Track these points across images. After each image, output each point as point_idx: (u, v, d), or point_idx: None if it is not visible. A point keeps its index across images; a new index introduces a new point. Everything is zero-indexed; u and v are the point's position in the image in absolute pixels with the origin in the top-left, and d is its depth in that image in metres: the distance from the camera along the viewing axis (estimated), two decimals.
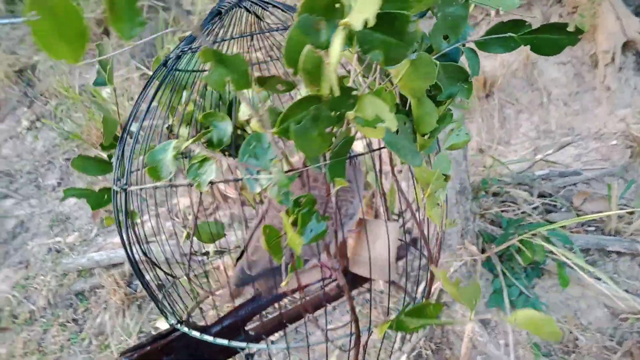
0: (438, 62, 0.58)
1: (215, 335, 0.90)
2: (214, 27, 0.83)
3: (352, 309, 0.65)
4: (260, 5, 0.82)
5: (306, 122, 0.52)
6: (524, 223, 2.56)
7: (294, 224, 0.59)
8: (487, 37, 0.58)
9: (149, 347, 0.88)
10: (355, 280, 1.09)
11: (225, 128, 0.62)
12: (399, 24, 0.45)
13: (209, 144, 0.65)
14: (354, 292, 1.11)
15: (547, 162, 3.06)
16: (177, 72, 0.85)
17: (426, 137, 0.61)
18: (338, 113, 0.53)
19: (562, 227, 2.53)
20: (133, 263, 0.85)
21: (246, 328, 0.97)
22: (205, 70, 0.89)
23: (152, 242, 0.93)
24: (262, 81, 0.47)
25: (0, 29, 3.88)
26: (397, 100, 0.60)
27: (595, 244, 2.67)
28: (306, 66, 0.44)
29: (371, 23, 0.40)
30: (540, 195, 2.88)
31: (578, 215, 2.80)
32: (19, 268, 2.64)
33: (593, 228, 2.81)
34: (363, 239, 1.03)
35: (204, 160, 0.66)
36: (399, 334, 2.45)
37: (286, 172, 0.58)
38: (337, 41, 0.42)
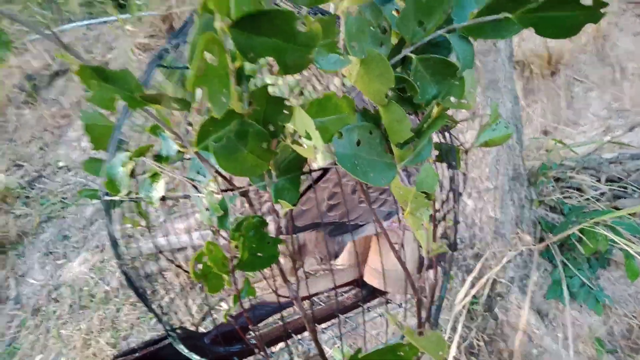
0: (416, 58, 0.44)
1: (211, 343, 0.81)
2: None
3: (316, 343, 0.53)
4: None
5: (230, 139, 0.40)
6: (587, 210, 2.30)
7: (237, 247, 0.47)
8: (477, 20, 0.42)
9: (137, 354, 0.80)
10: (374, 291, 0.96)
11: (170, 143, 0.51)
12: (281, 23, 0.32)
13: (158, 158, 0.54)
14: (375, 302, 0.97)
15: (617, 144, 2.73)
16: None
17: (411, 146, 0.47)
18: (272, 127, 0.41)
19: (631, 214, 2.25)
20: (125, 272, 0.77)
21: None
22: None
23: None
24: (153, 99, 0.36)
25: (78, 30, 3.97)
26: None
27: None
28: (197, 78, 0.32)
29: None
30: (609, 180, 2.57)
31: None
32: (96, 252, 2.71)
33: None
34: (381, 247, 0.90)
35: (155, 175, 0.55)
36: (450, 324, 2.29)
37: (225, 190, 0.47)
38: (199, 47, 0.30)
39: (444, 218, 0.84)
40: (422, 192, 0.46)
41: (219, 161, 0.40)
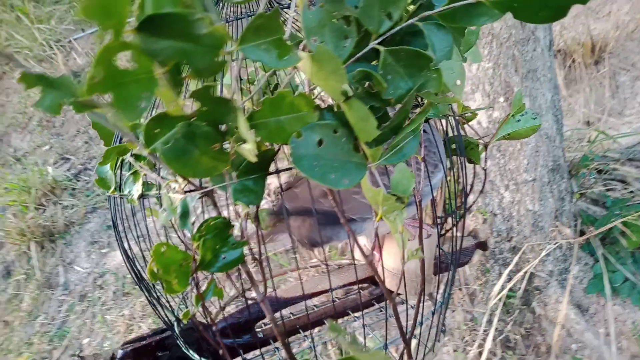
0: (384, 50, 0.38)
1: (218, 334, 0.79)
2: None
3: (287, 349, 0.49)
4: None
5: (178, 141, 0.36)
6: (631, 203, 2.14)
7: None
8: (449, 5, 0.37)
9: (144, 342, 0.79)
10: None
11: None
12: (180, 25, 0.28)
13: (137, 157, 0.51)
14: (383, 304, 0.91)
15: None
16: None
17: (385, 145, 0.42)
18: (223, 127, 0.37)
19: None
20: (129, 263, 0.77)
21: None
22: None
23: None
24: (92, 104, 0.33)
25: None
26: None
27: None
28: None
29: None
30: None
31: None
32: (138, 241, 2.78)
33: None
34: (391, 246, 0.84)
35: (135, 173, 0.53)
36: (485, 317, 2.19)
37: (187, 192, 0.43)
38: (99, 53, 0.27)
39: (457, 216, 0.77)
40: (394, 195, 0.41)
41: (168, 163, 0.37)
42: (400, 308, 0.93)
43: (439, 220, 0.80)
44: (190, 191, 0.43)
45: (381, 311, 0.87)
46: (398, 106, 0.41)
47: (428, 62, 0.38)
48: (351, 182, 0.39)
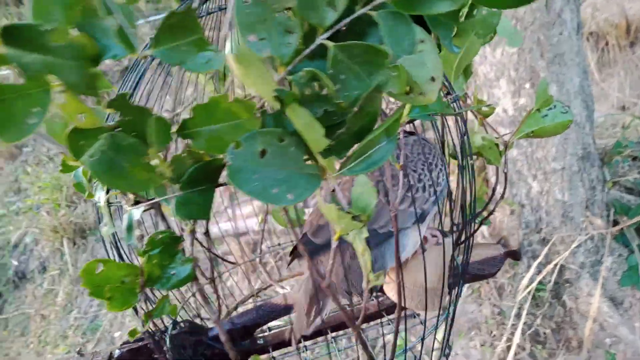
0: (334, 46, 0.32)
1: (213, 339, 0.75)
2: None
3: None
4: None
5: (104, 154, 0.32)
6: None
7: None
8: None
9: (140, 343, 0.76)
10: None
11: None
12: (37, 37, 0.23)
13: None
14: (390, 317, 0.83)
15: None
16: None
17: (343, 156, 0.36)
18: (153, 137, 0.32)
19: None
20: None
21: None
22: None
23: None
24: None
25: (144, 26, 3.98)
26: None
27: None
28: None
29: None
30: None
31: None
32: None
33: None
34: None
35: None
36: (514, 310, 2.10)
37: (134, 204, 0.39)
38: None
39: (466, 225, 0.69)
40: (349, 213, 0.35)
41: (97, 177, 0.33)
42: (412, 321, 0.86)
43: (454, 228, 0.71)
44: (136, 203, 0.38)
45: (389, 323, 0.80)
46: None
47: (384, 58, 0.32)
48: (297, 197, 0.33)
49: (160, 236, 0.39)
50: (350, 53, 0.32)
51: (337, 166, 0.36)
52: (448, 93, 0.62)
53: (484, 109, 0.60)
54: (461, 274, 0.67)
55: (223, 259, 0.92)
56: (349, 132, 0.35)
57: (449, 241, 0.66)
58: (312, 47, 0.33)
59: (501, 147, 0.66)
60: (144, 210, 0.40)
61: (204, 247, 0.56)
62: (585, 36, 3.06)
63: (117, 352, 0.79)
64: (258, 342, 0.75)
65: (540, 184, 2.07)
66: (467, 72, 0.65)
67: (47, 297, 2.23)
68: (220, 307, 0.45)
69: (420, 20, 0.39)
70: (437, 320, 0.64)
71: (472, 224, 0.69)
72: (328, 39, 0.34)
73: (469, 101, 0.72)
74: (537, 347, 2.04)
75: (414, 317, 0.81)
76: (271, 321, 0.79)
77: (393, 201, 0.43)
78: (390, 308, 0.80)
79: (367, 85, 0.33)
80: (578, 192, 2.01)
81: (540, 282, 2.07)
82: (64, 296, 2.24)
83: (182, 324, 0.75)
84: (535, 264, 2.02)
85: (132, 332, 0.45)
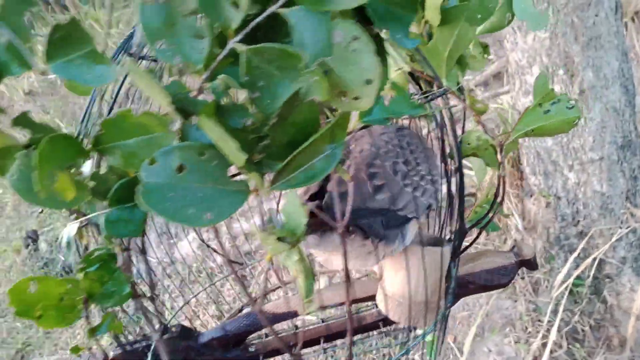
0: (246, 50, 0.29)
1: (205, 346, 0.73)
2: None
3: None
4: None
5: (23, 172, 0.30)
6: None
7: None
8: None
9: (136, 345, 0.75)
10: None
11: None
12: None
13: None
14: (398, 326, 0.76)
15: None
16: None
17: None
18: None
19: None
20: None
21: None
22: None
23: None
24: None
25: None
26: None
27: None
28: None
29: None
30: None
31: None
32: (203, 231, 2.82)
33: None
34: (397, 268, 0.69)
35: None
36: (550, 306, 1.99)
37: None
38: None
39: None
40: (273, 234, 0.31)
41: (21, 196, 0.31)
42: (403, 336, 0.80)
43: (452, 236, 0.65)
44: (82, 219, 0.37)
45: (386, 335, 0.75)
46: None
47: (297, 62, 0.28)
48: (217, 216, 0.30)
49: (97, 253, 0.37)
50: (264, 57, 0.29)
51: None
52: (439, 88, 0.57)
53: (478, 105, 0.55)
54: (453, 285, 0.61)
55: (231, 262, 0.90)
56: (277, 143, 0.32)
57: (446, 250, 0.61)
58: (225, 51, 0.29)
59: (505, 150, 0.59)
60: (81, 227, 0.38)
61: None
62: (630, 16, 2.85)
63: (111, 353, 0.79)
64: (250, 349, 0.73)
65: (577, 175, 1.95)
66: (462, 63, 0.60)
67: None
68: (161, 324, 0.43)
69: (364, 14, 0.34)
70: (423, 334, 0.59)
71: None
72: (250, 43, 0.30)
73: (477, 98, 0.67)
74: (575, 346, 1.93)
75: (412, 330, 0.75)
76: (262, 329, 0.76)
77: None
78: (388, 319, 0.75)
79: (285, 92, 0.29)
80: (618, 182, 1.88)
81: (578, 277, 1.95)
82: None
83: (173, 329, 0.74)
84: (572, 258, 1.91)
85: (75, 349, 0.43)
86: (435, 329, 0.62)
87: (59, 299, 0.37)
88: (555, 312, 1.98)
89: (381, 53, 0.38)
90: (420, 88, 0.59)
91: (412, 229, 0.63)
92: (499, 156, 0.56)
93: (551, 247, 2.08)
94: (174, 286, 2.41)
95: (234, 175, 0.33)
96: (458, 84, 0.56)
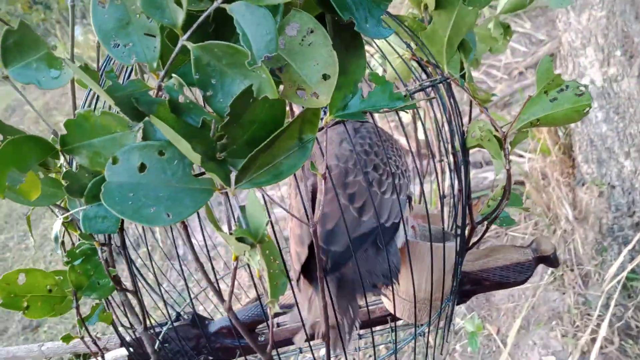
0: (194, 47, 0.28)
1: (215, 334, 0.75)
2: None
3: None
4: None
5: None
6: None
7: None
8: None
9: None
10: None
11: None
12: None
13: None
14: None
15: None
16: None
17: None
18: None
19: None
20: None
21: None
22: None
23: None
24: None
25: None
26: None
27: None
28: None
29: None
30: None
31: None
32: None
33: None
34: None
35: None
36: (601, 300, 1.88)
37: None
38: None
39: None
40: (231, 234, 0.31)
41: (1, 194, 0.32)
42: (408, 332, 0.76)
43: (459, 230, 0.62)
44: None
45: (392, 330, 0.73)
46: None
47: (244, 58, 0.27)
48: (177, 216, 0.30)
49: (80, 247, 0.38)
50: (214, 54, 0.28)
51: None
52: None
53: (480, 94, 0.51)
54: (457, 282, 0.59)
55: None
56: (238, 141, 0.31)
57: (450, 245, 0.58)
58: (177, 50, 0.29)
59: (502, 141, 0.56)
60: (64, 222, 0.39)
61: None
62: None
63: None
64: (260, 339, 0.73)
65: (634, 163, 1.82)
66: (465, 48, 0.56)
67: (141, 270, 2.42)
68: (145, 318, 0.44)
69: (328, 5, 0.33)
70: (415, 334, 0.57)
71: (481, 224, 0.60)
72: (205, 40, 0.29)
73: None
74: (628, 342, 1.82)
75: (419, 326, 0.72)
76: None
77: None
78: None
79: (234, 89, 0.28)
80: None
81: (632, 271, 1.83)
82: (155, 270, 2.41)
83: (185, 316, 0.76)
84: (626, 250, 1.79)
85: (66, 337, 0.45)
86: (432, 326, 0.60)
87: (47, 290, 0.39)
88: (606, 306, 1.87)
89: (356, 45, 0.36)
90: (428, 76, 0.57)
91: (402, 230, 0.61)
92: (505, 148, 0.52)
93: (603, 238, 1.95)
94: (217, 269, 2.48)
95: (201, 174, 0.33)
96: (462, 70, 0.53)
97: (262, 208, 0.31)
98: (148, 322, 0.74)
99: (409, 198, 0.63)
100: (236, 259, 0.33)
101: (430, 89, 0.52)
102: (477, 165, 2.43)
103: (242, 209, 0.33)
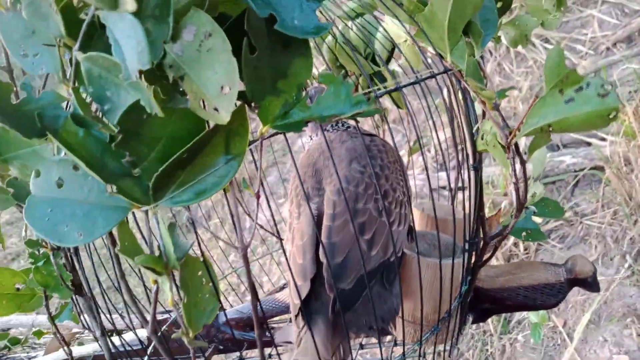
0: (83, 58, 0.26)
1: (224, 325, 0.75)
2: None
3: None
4: None
5: None
6: None
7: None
8: None
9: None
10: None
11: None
12: None
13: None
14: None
15: None
16: None
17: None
18: None
19: None
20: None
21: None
22: None
23: None
24: None
25: None
26: None
27: None
28: None
29: None
30: None
31: None
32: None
33: None
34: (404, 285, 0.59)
35: None
36: None
37: None
38: None
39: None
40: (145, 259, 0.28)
41: None
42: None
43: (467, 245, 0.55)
44: None
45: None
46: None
47: (118, 71, 0.24)
48: (88, 235, 0.29)
49: (42, 250, 0.39)
50: (102, 66, 0.26)
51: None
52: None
53: (485, 92, 0.44)
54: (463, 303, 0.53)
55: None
56: (147, 159, 0.29)
57: (447, 263, 0.52)
58: (74, 60, 0.27)
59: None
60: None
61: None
62: None
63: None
64: (266, 334, 0.72)
65: None
66: (475, 32, 0.48)
67: (211, 242, 2.52)
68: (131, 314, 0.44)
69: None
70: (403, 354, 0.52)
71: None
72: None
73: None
74: None
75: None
76: (275, 317, 0.76)
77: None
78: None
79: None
80: None
81: None
82: (223, 243, 2.51)
83: None
84: None
85: (38, 333, 0.47)
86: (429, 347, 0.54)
87: (15, 289, 0.40)
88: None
89: (299, 41, 0.32)
90: (428, 68, 0.50)
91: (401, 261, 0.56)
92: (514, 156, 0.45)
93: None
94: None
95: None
96: (469, 60, 0.45)
97: (170, 239, 0.29)
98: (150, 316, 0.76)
99: (410, 229, 0.56)
100: (154, 282, 0.31)
101: (423, 84, 0.46)
102: (554, 147, 2.22)
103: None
